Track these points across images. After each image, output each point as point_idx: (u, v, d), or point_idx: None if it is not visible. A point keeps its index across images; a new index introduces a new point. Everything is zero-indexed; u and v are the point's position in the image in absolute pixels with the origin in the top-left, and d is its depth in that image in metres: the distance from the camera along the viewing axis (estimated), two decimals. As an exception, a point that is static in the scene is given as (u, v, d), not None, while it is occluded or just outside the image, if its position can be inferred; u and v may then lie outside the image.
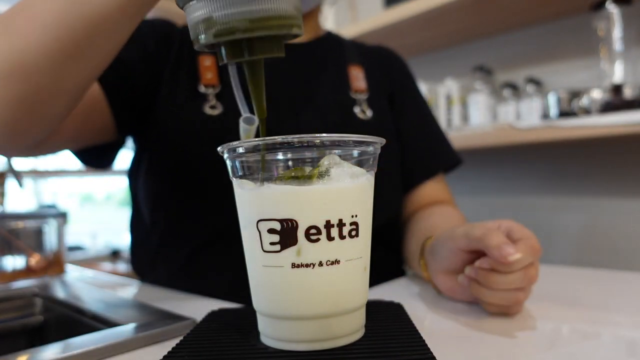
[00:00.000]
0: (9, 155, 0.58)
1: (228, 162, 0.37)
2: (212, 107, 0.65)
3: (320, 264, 0.34)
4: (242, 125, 0.44)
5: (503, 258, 0.41)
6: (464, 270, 0.47)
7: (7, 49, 0.47)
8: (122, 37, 0.50)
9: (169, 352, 0.36)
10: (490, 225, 0.47)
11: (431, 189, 0.78)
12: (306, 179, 0.34)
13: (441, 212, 0.72)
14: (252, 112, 0.43)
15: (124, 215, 0.75)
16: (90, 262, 2.38)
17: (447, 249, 0.49)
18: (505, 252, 0.41)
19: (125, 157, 0.78)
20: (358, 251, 0.35)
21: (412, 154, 0.77)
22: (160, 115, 0.65)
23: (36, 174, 2.57)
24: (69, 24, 0.46)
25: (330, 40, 0.79)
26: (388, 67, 0.81)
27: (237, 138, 0.36)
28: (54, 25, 0.46)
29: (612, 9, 1.14)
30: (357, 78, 0.75)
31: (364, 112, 0.73)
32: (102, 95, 0.61)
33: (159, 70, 0.66)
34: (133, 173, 0.73)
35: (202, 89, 0.65)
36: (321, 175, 0.34)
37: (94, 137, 0.65)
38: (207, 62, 0.67)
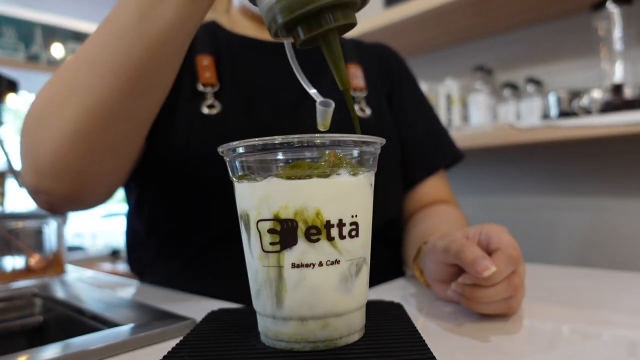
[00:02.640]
0: (94, 206, 0.60)
1: (228, 162, 0.37)
2: (211, 106, 0.65)
3: (320, 264, 0.34)
4: (320, 109, 0.44)
5: (478, 274, 0.41)
6: (455, 278, 0.47)
7: (82, 108, 0.47)
8: (182, 55, 0.50)
9: (169, 352, 0.36)
10: (472, 234, 0.47)
11: (432, 187, 0.77)
12: (307, 173, 0.34)
13: (440, 213, 0.71)
14: (319, 91, 0.43)
15: (124, 214, 0.75)
16: (90, 262, 2.38)
17: (432, 261, 0.49)
18: (480, 268, 0.40)
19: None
20: (358, 251, 0.35)
21: (412, 150, 0.77)
22: (160, 116, 0.65)
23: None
24: (135, 62, 0.46)
25: None
26: (386, 65, 0.81)
27: (236, 137, 0.36)
28: (121, 67, 0.46)
29: (613, 8, 1.14)
30: (356, 76, 0.75)
31: (362, 110, 0.73)
32: None
33: None
34: (129, 180, 0.72)
35: (200, 87, 0.65)
36: (323, 169, 0.34)
37: (136, 164, 0.65)
38: (205, 62, 0.67)
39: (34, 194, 0.54)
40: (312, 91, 0.44)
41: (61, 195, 0.52)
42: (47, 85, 0.51)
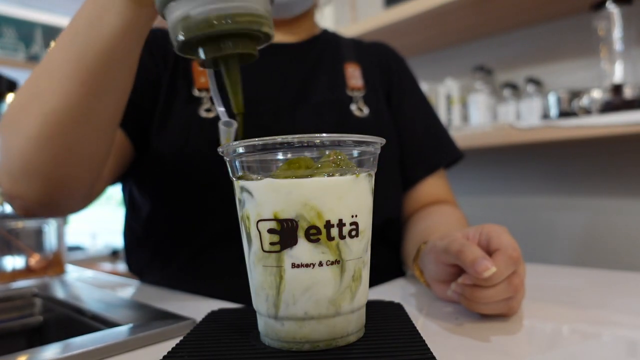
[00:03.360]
0: (71, 211, 0.61)
1: (228, 162, 0.37)
2: (208, 109, 0.65)
3: (320, 264, 0.34)
4: (222, 128, 0.47)
5: (478, 274, 0.41)
6: (455, 279, 0.47)
7: (41, 112, 0.49)
8: (134, 59, 0.52)
9: (169, 352, 0.36)
10: (472, 235, 0.47)
11: (432, 187, 0.77)
12: (307, 173, 0.34)
13: (440, 212, 0.71)
14: (229, 111, 0.46)
15: (123, 216, 0.75)
16: (90, 262, 2.38)
17: (432, 261, 0.49)
18: (480, 268, 0.40)
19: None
20: (358, 251, 0.35)
21: (412, 149, 0.77)
22: (158, 120, 0.65)
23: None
24: (87, 66, 0.48)
25: (326, 38, 0.79)
26: (386, 64, 0.81)
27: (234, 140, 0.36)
28: (75, 72, 0.48)
29: (612, 8, 1.14)
30: (354, 76, 0.75)
31: (360, 109, 0.73)
32: (120, 130, 0.63)
33: (157, 80, 0.67)
34: (127, 182, 0.72)
35: (196, 92, 0.65)
36: (323, 169, 0.34)
37: (124, 168, 0.66)
38: (200, 67, 0.67)
39: (9, 198, 0.55)
40: (220, 109, 0.47)
41: (34, 200, 0.53)
42: (18, 90, 0.53)
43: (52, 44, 0.51)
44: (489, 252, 0.44)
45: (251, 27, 0.40)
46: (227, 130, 0.47)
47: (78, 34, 0.48)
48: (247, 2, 0.40)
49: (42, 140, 0.49)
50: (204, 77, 0.67)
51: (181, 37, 0.40)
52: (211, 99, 0.66)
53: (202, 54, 0.42)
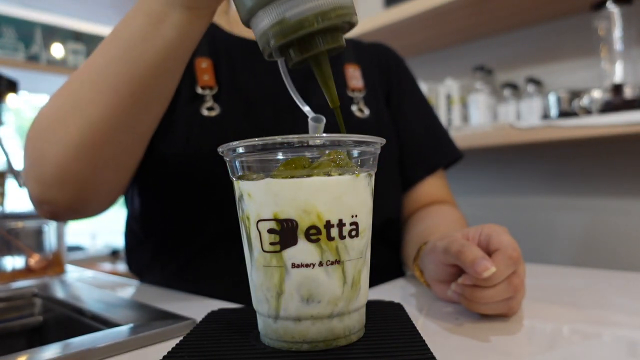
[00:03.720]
0: (96, 214, 0.61)
1: (228, 162, 0.37)
2: (210, 108, 0.65)
3: (320, 264, 0.34)
4: (311, 124, 0.46)
5: (478, 274, 0.41)
6: (455, 279, 0.47)
7: (84, 122, 0.49)
8: (183, 69, 0.51)
9: (169, 352, 0.36)
10: (472, 235, 0.47)
11: (431, 187, 0.77)
12: (307, 173, 0.34)
13: (440, 213, 0.71)
14: (311, 107, 0.45)
15: (123, 215, 0.75)
16: (89, 262, 2.38)
17: (432, 262, 0.49)
18: (480, 269, 0.40)
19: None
20: (358, 251, 0.35)
21: (411, 150, 0.77)
22: (161, 119, 0.65)
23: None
24: (138, 78, 0.47)
25: None
26: (385, 65, 0.81)
27: (235, 139, 0.36)
28: (124, 84, 0.47)
29: (613, 8, 1.14)
30: (354, 77, 0.75)
31: (361, 110, 0.73)
32: None
33: None
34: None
35: (199, 90, 0.65)
36: (323, 168, 0.34)
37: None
38: (203, 65, 0.67)
39: (38, 204, 0.55)
40: (306, 109, 0.46)
41: (64, 205, 0.53)
42: (51, 99, 0.52)
43: (94, 52, 0.50)
44: (489, 252, 0.44)
45: (344, 20, 0.39)
46: (317, 126, 0.45)
47: (129, 47, 0.47)
48: None
49: (82, 150, 0.49)
50: (207, 75, 0.66)
51: (273, 43, 0.39)
52: (214, 97, 0.66)
53: (293, 56, 0.41)
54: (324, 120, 0.44)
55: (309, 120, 0.45)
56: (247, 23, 0.41)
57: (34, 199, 0.54)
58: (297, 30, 0.38)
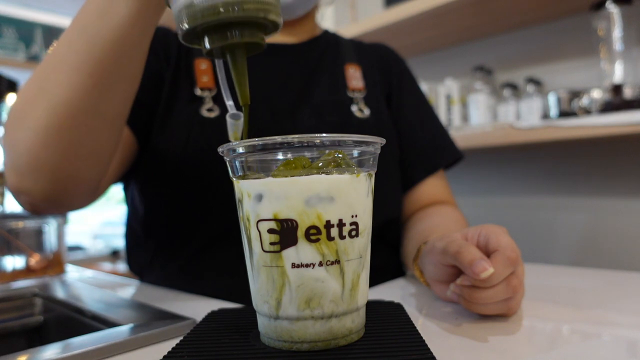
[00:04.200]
0: (77, 208, 0.60)
1: (228, 162, 0.37)
2: (209, 109, 0.65)
3: (320, 264, 0.34)
4: (229, 121, 0.46)
5: (476, 275, 0.41)
6: (454, 279, 0.47)
7: (49, 105, 0.48)
8: (143, 50, 0.51)
9: (169, 352, 0.36)
10: (471, 235, 0.47)
11: (431, 187, 0.77)
12: (307, 170, 0.34)
13: (440, 213, 0.71)
14: (237, 105, 0.45)
15: (124, 215, 0.76)
16: (90, 262, 2.38)
17: (431, 262, 0.49)
18: (478, 269, 0.40)
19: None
20: (358, 251, 0.35)
21: (412, 150, 0.77)
22: (160, 118, 0.65)
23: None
24: (96, 56, 0.47)
25: (327, 39, 0.79)
26: (386, 65, 0.81)
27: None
28: (83, 63, 0.47)
29: (612, 8, 1.14)
30: (354, 77, 0.75)
31: (361, 110, 0.73)
32: (126, 127, 0.63)
33: (161, 78, 0.67)
34: (128, 181, 0.72)
35: (198, 92, 0.65)
36: (323, 167, 0.34)
37: (129, 165, 0.67)
38: (203, 66, 0.67)
39: (16, 194, 0.54)
40: (229, 103, 0.46)
41: (41, 196, 0.52)
42: (24, 85, 0.52)
43: (57, 40, 0.51)
44: (488, 252, 0.44)
45: (258, 15, 0.39)
46: (234, 123, 0.46)
47: (86, 25, 0.47)
48: None
49: (49, 134, 0.48)
50: (206, 77, 0.67)
51: (185, 26, 0.39)
52: (213, 99, 0.66)
53: (207, 43, 0.41)
54: (242, 117, 0.44)
55: (227, 116, 0.45)
56: (166, 1, 0.42)
57: (11, 189, 0.54)
58: (212, 15, 0.38)
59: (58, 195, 0.53)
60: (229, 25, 0.39)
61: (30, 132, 0.49)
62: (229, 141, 0.35)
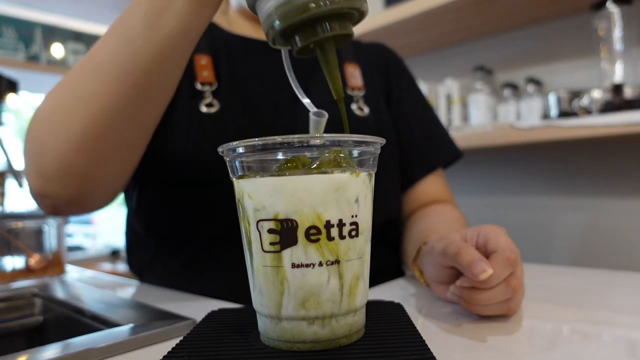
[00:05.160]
0: (97, 209, 0.60)
1: (228, 162, 0.37)
2: (209, 105, 0.65)
3: (320, 264, 0.34)
4: (313, 119, 0.44)
5: (475, 277, 0.41)
6: (454, 279, 0.46)
7: (87, 114, 0.48)
8: (187, 59, 0.51)
9: (169, 352, 0.36)
10: (470, 236, 0.47)
11: (431, 186, 0.77)
12: (308, 167, 0.34)
13: (439, 212, 0.71)
14: (311, 98, 0.44)
15: (124, 215, 0.76)
16: (90, 262, 2.38)
17: (430, 263, 0.49)
18: (477, 271, 0.40)
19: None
20: (358, 251, 0.35)
21: (411, 149, 0.77)
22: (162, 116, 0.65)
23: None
24: (142, 67, 0.47)
25: None
26: (385, 64, 0.81)
27: (235, 136, 0.36)
28: (127, 74, 0.47)
29: (613, 8, 1.14)
30: (353, 75, 0.75)
31: (361, 109, 0.73)
32: None
33: None
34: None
35: (198, 86, 0.65)
36: (323, 166, 0.34)
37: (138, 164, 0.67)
38: (202, 61, 0.67)
39: (39, 198, 0.54)
40: (306, 101, 0.45)
41: (66, 199, 0.53)
42: (53, 91, 0.52)
43: (92, 47, 0.50)
44: (487, 253, 0.44)
45: (353, 7, 0.38)
46: (318, 120, 0.44)
47: (132, 36, 0.47)
48: None
49: (85, 142, 0.48)
50: (206, 71, 0.66)
51: (277, 26, 0.38)
52: (213, 93, 0.66)
53: (298, 41, 0.39)
54: (326, 115, 0.43)
55: (311, 114, 0.44)
56: (252, 6, 0.41)
57: (34, 192, 0.54)
58: (303, 11, 0.37)
59: (83, 198, 0.54)
60: (317, 20, 0.38)
61: (64, 139, 0.49)
62: (232, 138, 0.35)
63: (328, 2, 0.37)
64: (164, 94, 0.52)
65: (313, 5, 0.37)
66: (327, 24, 0.38)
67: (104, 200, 0.59)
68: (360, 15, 0.41)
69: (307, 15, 0.37)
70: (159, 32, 0.46)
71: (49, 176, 0.51)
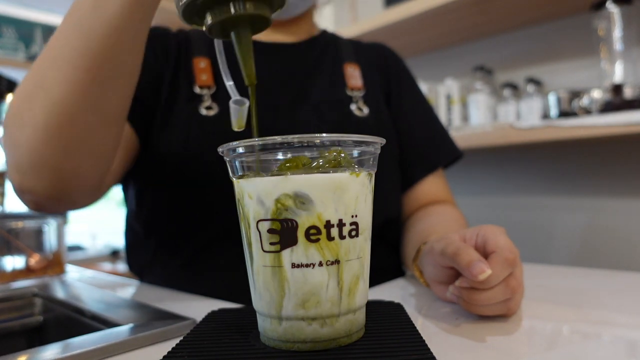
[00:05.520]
0: (82, 206, 0.60)
1: (228, 162, 0.37)
2: (208, 107, 0.65)
3: (320, 264, 0.34)
4: (233, 107, 0.44)
5: (474, 277, 0.41)
6: (454, 280, 0.47)
7: (48, 102, 0.48)
8: (141, 42, 0.50)
9: (169, 352, 0.36)
10: (469, 236, 0.47)
11: (431, 186, 0.77)
12: (308, 167, 0.34)
13: (439, 213, 0.71)
14: (238, 86, 0.44)
15: (123, 215, 0.76)
16: (90, 262, 2.38)
17: (430, 263, 0.49)
18: (476, 271, 0.40)
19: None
20: (358, 251, 0.35)
21: (411, 149, 0.77)
22: (160, 117, 0.65)
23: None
24: (93, 51, 0.46)
25: (325, 39, 0.79)
26: (385, 65, 0.81)
27: (234, 138, 0.36)
28: (79, 59, 0.46)
29: (612, 8, 1.14)
30: (353, 76, 0.75)
31: (360, 109, 0.73)
32: (127, 124, 0.62)
33: (161, 77, 0.67)
34: (128, 181, 0.72)
35: (197, 90, 0.65)
36: (323, 165, 0.34)
37: (131, 163, 0.67)
38: (202, 64, 0.67)
39: (20, 193, 0.54)
40: (229, 83, 0.44)
41: (44, 194, 0.52)
42: (20, 84, 0.52)
43: (52, 36, 0.50)
44: (486, 254, 0.44)
45: None
46: (238, 108, 0.43)
47: (81, 19, 0.46)
48: None
49: (49, 132, 0.48)
50: (205, 75, 0.67)
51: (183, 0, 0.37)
52: (212, 97, 0.66)
53: (209, 18, 0.38)
54: (247, 102, 0.43)
55: (230, 102, 0.43)
56: None
57: (15, 188, 0.54)
58: None
59: (61, 193, 0.53)
60: None
61: (30, 130, 0.48)
62: (231, 140, 0.35)
63: None
64: (123, 79, 0.51)
65: None
66: (241, 3, 0.37)
67: (85, 197, 0.58)
68: (280, 2, 0.39)
69: None
70: (105, 12, 0.45)
71: (24, 170, 0.51)
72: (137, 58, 0.51)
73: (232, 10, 0.37)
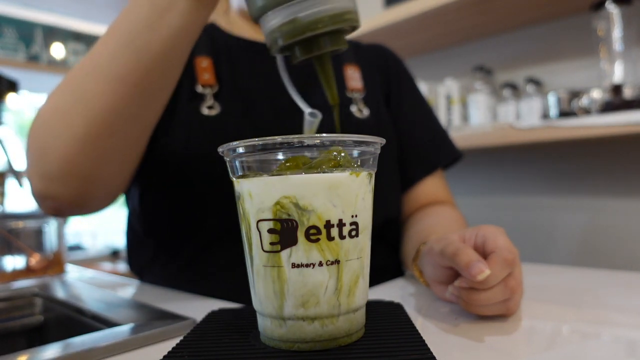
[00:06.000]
0: (98, 210, 0.60)
1: (228, 162, 0.37)
2: (210, 107, 0.65)
3: (320, 264, 0.34)
4: (307, 119, 0.48)
5: (473, 277, 0.41)
6: (453, 280, 0.47)
7: (89, 114, 0.49)
8: (186, 56, 0.52)
9: (169, 352, 0.36)
10: (468, 237, 0.47)
11: (430, 187, 0.77)
12: (308, 167, 0.34)
13: (439, 213, 0.71)
14: (311, 105, 0.48)
15: (124, 215, 0.76)
16: (90, 262, 2.38)
17: (429, 263, 0.50)
18: (474, 271, 0.40)
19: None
20: (358, 251, 0.35)
21: (411, 150, 0.77)
22: (162, 117, 0.65)
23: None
24: (143, 67, 0.48)
25: None
26: (384, 65, 0.81)
27: (235, 138, 0.36)
28: (129, 75, 0.48)
29: (612, 9, 1.14)
30: (353, 77, 0.75)
31: (360, 110, 0.73)
32: None
33: None
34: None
35: (199, 89, 0.65)
36: (324, 165, 0.34)
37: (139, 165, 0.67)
38: (204, 63, 0.67)
39: (41, 199, 0.54)
40: (307, 111, 0.48)
41: (68, 200, 0.53)
42: (53, 93, 0.52)
43: (91, 49, 0.51)
44: (485, 254, 0.44)
45: (352, 24, 0.43)
46: (313, 120, 0.48)
47: (133, 36, 0.47)
48: (343, 1, 0.42)
49: (87, 142, 0.49)
50: (207, 74, 0.67)
51: (281, 42, 0.42)
52: (214, 96, 0.66)
53: (298, 54, 0.43)
54: (320, 115, 0.46)
55: (305, 114, 0.46)
56: (256, 20, 0.43)
57: (37, 194, 0.54)
58: (306, 30, 0.41)
59: (84, 200, 0.54)
60: (318, 36, 0.42)
61: (66, 140, 0.49)
62: (233, 140, 0.35)
63: (331, 22, 0.41)
64: (165, 92, 0.52)
65: (320, 24, 0.41)
66: (326, 39, 0.43)
67: (104, 202, 0.59)
68: (353, 29, 0.45)
69: (309, 35, 0.41)
70: (161, 32, 0.46)
71: (51, 177, 0.51)
72: (181, 70, 0.53)
73: (322, 47, 0.43)
